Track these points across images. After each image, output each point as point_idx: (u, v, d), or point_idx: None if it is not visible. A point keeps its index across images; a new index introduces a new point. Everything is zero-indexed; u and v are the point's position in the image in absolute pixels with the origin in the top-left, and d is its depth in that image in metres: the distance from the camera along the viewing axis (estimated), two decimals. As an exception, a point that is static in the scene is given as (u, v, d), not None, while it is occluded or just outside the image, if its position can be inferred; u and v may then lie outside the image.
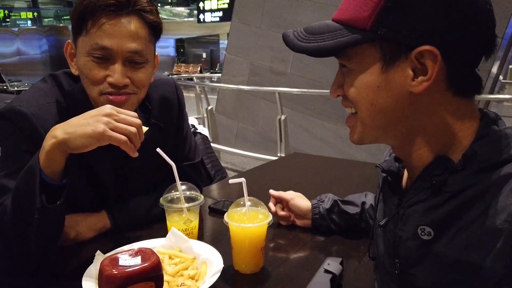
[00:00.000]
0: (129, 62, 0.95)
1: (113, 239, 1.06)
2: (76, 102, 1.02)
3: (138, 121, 0.85)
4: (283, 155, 4.70)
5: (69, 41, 1.01)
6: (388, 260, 0.72)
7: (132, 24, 0.93)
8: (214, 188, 1.56)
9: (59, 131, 0.79)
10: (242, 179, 0.90)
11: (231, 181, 0.91)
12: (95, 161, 1.05)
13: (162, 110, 1.17)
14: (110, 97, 0.95)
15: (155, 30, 1.00)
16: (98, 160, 1.05)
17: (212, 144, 2.43)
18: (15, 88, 12.96)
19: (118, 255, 0.60)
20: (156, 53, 1.07)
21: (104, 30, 0.91)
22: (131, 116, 0.85)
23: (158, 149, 0.98)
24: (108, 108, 0.83)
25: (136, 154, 0.84)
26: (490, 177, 0.56)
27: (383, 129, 0.65)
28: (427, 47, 0.56)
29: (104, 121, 0.80)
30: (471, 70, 0.61)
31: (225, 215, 0.91)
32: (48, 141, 0.79)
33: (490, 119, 0.62)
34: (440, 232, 0.60)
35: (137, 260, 0.59)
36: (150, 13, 0.96)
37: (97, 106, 0.95)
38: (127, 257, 0.59)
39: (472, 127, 0.62)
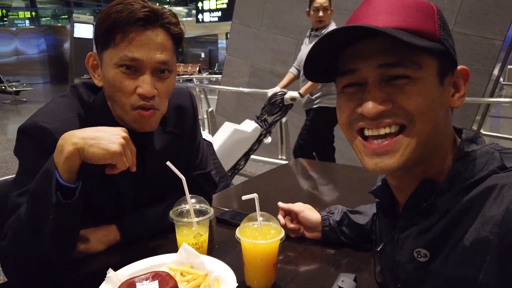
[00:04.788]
0: (156, 73, 0.98)
1: (123, 252, 1.05)
2: (97, 114, 1.03)
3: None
4: (284, 157, 4.70)
5: (91, 53, 1.02)
6: (392, 285, 0.73)
7: (159, 37, 0.96)
8: (220, 197, 1.55)
9: (78, 139, 0.84)
10: (255, 195, 0.89)
11: (244, 197, 0.90)
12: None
13: (178, 118, 1.18)
14: (140, 111, 0.97)
15: (178, 40, 1.03)
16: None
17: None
18: (14, 88, 12.89)
19: (135, 280, 0.59)
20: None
21: (133, 43, 0.93)
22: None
23: (168, 163, 0.97)
24: (125, 132, 0.89)
25: (108, 172, 0.90)
26: (473, 194, 0.58)
27: (432, 145, 0.62)
28: (464, 66, 0.63)
29: (122, 143, 0.86)
30: None
31: (237, 231, 0.90)
32: (68, 147, 0.83)
33: (469, 137, 0.65)
34: (435, 253, 0.62)
35: (155, 285, 0.58)
36: (175, 25, 0.99)
37: (126, 119, 1.00)
38: (145, 282, 0.58)
39: (450, 146, 0.65)
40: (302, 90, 3.34)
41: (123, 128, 0.91)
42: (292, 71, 3.71)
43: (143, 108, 0.97)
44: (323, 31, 3.32)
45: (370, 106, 0.60)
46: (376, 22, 0.59)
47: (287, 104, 3.46)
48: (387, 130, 0.61)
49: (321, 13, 3.26)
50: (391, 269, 0.71)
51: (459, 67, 0.64)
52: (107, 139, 0.85)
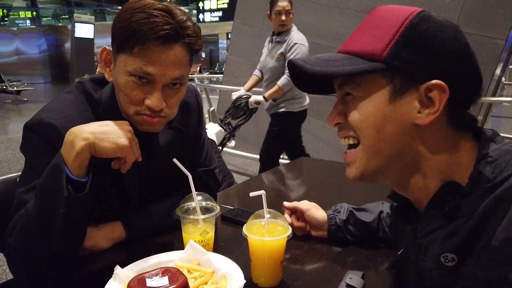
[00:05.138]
0: (168, 86, 0.96)
1: (129, 249, 1.05)
2: (104, 110, 1.03)
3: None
4: (285, 156, 4.69)
5: (106, 47, 1.00)
6: None
7: (177, 54, 0.92)
8: (224, 195, 1.55)
9: (88, 134, 0.85)
10: (262, 192, 0.89)
11: (251, 194, 0.90)
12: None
13: (183, 115, 1.17)
14: (145, 117, 0.96)
15: (196, 53, 1.00)
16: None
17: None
18: (15, 88, 12.89)
19: (145, 276, 0.58)
20: None
21: (150, 58, 0.89)
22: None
23: (174, 160, 0.97)
24: (128, 125, 0.93)
25: (124, 171, 0.94)
26: (498, 193, 0.58)
27: (386, 159, 0.65)
28: (437, 81, 0.60)
29: (129, 137, 0.90)
30: (466, 109, 0.66)
31: (244, 227, 0.89)
32: (80, 142, 0.84)
33: (488, 137, 0.64)
34: (464, 256, 0.61)
35: (165, 280, 0.58)
36: (196, 41, 0.95)
37: (129, 119, 0.98)
38: (155, 277, 0.58)
39: (471, 149, 0.64)
40: (266, 94, 3.28)
41: (126, 122, 0.93)
42: (256, 73, 3.66)
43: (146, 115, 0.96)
44: (286, 38, 3.25)
45: (328, 119, 0.71)
46: (343, 46, 0.69)
47: (252, 107, 3.42)
48: (347, 141, 0.70)
49: (283, 17, 3.20)
50: (416, 275, 0.70)
51: (432, 81, 0.60)
52: (116, 133, 0.88)
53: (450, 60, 0.62)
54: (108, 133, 0.87)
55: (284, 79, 3.20)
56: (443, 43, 0.61)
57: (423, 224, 0.67)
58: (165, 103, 0.95)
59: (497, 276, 0.57)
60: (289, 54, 3.19)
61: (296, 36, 3.25)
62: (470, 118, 0.67)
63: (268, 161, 3.59)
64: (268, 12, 3.33)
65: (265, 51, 3.53)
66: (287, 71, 3.11)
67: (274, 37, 3.38)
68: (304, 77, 0.70)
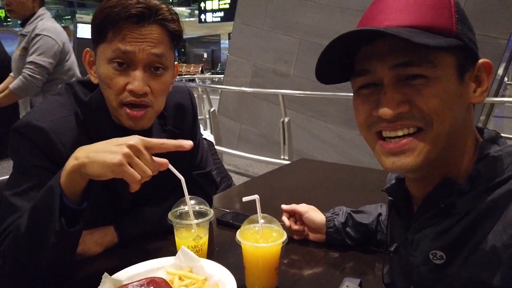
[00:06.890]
0: (150, 69, 0.93)
1: (120, 255, 1.02)
2: (94, 113, 0.99)
3: (166, 161, 0.82)
4: (286, 157, 4.67)
5: (88, 49, 0.99)
6: (402, 285, 0.71)
7: (153, 33, 0.92)
8: (221, 198, 1.52)
9: (82, 153, 0.76)
10: (256, 196, 0.86)
11: (244, 199, 0.87)
12: None
13: (177, 117, 1.15)
14: (128, 110, 0.93)
15: (176, 37, 0.98)
16: None
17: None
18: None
19: (129, 286, 0.56)
20: (176, 63, 1.04)
21: (126, 38, 0.89)
22: (160, 147, 0.80)
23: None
24: (135, 139, 0.77)
25: (136, 189, 0.78)
26: (496, 196, 0.56)
27: (450, 147, 0.60)
28: (486, 60, 0.59)
29: (125, 153, 0.74)
30: None
31: (238, 233, 0.87)
32: (70, 162, 0.76)
33: (490, 138, 0.63)
34: (452, 255, 0.60)
35: (150, 291, 0.55)
36: (172, 22, 0.95)
37: (117, 117, 0.96)
38: (139, 289, 0.56)
39: (472, 145, 0.63)
40: None
41: (135, 136, 0.78)
42: (12, 74, 2.93)
43: (132, 105, 0.93)
44: (30, 29, 2.62)
45: (386, 109, 0.59)
46: (389, 20, 0.58)
47: None
48: (405, 132, 0.60)
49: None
50: (405, 270, 0.69)
51: (480, 60, 0.60)
52: (109, 150, 0.74)
53: (475, 38, 0.61)
54: (101, 151, 0.74)
55: (18, 82, 2.55)
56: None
57: (417, 220, 0.65)
58: (148, 88, 0.92)
59: (481, 280, 0.56)
60: (30, 48, 2.59)
61: (42, 25, 2.60)
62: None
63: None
64: None
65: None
66: (25, 70, 2.55)
67: (21, 29, 2.72)
68: (333, 59, 0.62)
